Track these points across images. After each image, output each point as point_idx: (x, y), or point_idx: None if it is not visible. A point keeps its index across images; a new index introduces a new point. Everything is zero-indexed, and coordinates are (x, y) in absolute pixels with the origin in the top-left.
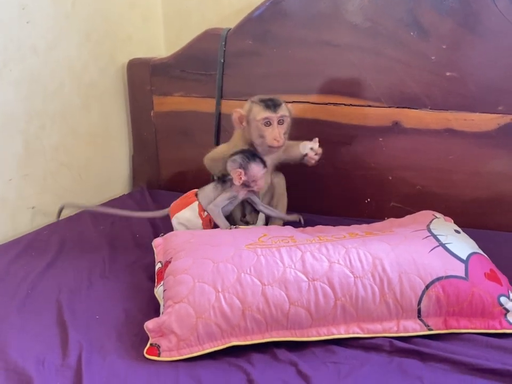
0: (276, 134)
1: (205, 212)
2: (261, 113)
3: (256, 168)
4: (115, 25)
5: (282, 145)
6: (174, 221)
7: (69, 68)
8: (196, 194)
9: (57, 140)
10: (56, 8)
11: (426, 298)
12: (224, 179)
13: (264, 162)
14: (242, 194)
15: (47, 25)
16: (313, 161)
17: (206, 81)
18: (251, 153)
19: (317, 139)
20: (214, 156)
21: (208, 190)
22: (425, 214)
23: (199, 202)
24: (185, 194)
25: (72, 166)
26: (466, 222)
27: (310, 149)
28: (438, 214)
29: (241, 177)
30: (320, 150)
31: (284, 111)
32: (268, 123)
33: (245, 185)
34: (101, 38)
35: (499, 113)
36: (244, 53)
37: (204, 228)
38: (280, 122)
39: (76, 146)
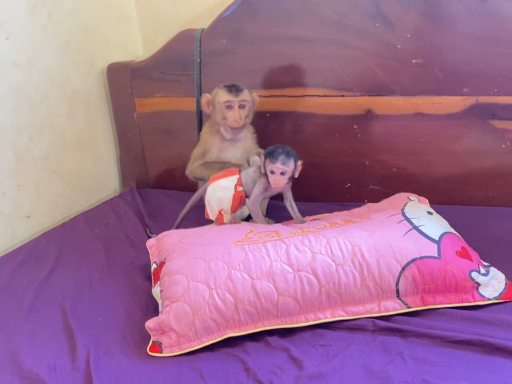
0: (236, 116)
1: (241, 188)
2: (223, 96)
3: (269, 164)
4: (92, 31)
5: (242, 126)
6: (209, 189)
7: (51, 79)
8: (240, 171)
9: (46, 149)
10: (34, 21)
11: (403, 279)
12: None
13: (288, 165)
14: (274, 188)
15: (27, 39)
16: None
17: (185, 81)
18: (282, 149)
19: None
20: (193, 162)
21: (251, 170)
22: (400, 197)
23: (240, 177)
24: (229, 169)
25: (63, 173)
26: (440, 198)
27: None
28: (412, 196)
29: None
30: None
31: (245, 96)
32: (229, 106)
33: (267, 177)
34: (79, 45)
35: (464, 95)
36: (219, 52)
37: (233, 202)
38: (241, 106)
39: (65, 153)
